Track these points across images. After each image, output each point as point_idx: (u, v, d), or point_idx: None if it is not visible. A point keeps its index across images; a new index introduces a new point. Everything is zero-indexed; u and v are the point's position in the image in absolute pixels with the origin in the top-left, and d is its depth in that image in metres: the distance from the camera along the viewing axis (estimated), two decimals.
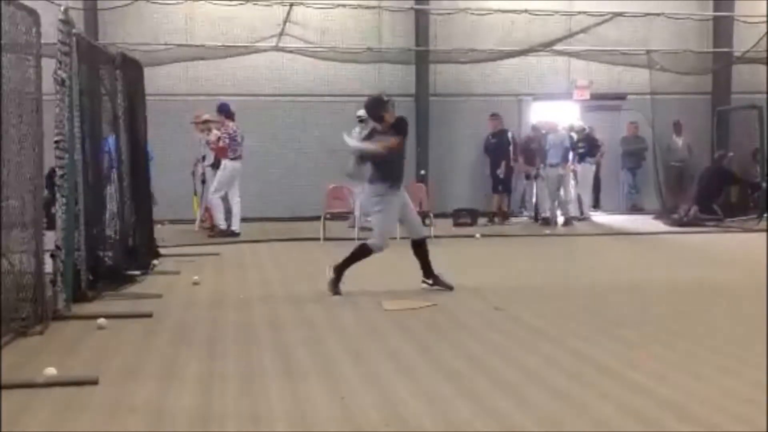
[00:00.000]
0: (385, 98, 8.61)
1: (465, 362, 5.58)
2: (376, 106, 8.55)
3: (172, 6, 17.14)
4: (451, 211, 16.51)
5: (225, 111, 14.07)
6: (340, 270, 8.39)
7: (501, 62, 18.19)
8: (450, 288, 8.47)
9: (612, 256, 12.13)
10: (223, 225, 13.93)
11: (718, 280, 9.47)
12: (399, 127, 8.47)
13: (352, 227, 13.80)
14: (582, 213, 16.97)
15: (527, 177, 16.95)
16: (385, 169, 8.39)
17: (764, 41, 16.85)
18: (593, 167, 17.37)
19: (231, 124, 13.97)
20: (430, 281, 8.58)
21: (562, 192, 16.04)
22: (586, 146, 17.00)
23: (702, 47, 18.87)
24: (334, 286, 8.33)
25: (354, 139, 8.91)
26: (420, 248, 8.62)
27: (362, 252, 8.45)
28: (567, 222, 15.80)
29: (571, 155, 16.17)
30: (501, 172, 16.35)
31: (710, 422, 4.27)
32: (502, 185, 16.51)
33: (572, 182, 16.54)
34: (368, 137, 8.63)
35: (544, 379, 5.13)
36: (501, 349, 5.99)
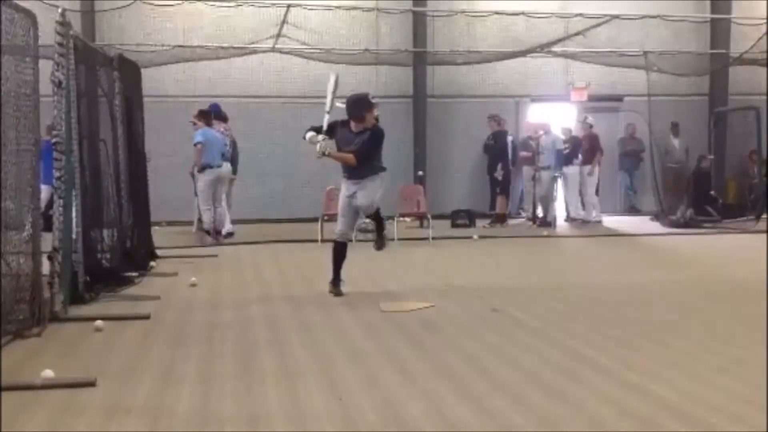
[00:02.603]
0: (372, 99, 8.41)
1: (463, 363, 5.58)
2: (361, 105, 8.29)
3: (170, 7, 17.15)
4: (448, 212, 16.51)
5: (214, 112, 14.01)
6: (335, 274, 8.40)
7: (498, 64, 18.19)
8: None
9: (609, 257, 12.13)
10: (224, 230, 13.84)
11: (715, 280, 9.48)
12: (376, 137, 8.30)
13: None
14: (569, 215, 16.87)
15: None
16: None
17: (763, 42, 16.86)
18: (577, 169, 16.58)
19: (219, 125, 13.92)
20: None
21: (555, 193, 16.05)
22: (571, 148, 16.46)
23: (699, 49, 18.91)
24: (335, 287, 8.35)
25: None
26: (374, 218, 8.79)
27: (334, 248, 8.45)
28: (546, 222, 15.72)
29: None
30: (499, 174, 16.32)
31: (707, 422, 4.27)
32: (500, 187, 16.48)
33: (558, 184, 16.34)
34: (330, 130, 8.30)
35: (541, 379, 5.14)
36: (498, 349, 6.00)
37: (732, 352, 5.88)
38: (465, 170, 18.22)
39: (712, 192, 17.63)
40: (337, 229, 8.52)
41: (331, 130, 8.34)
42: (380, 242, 8.89)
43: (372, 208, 8.56)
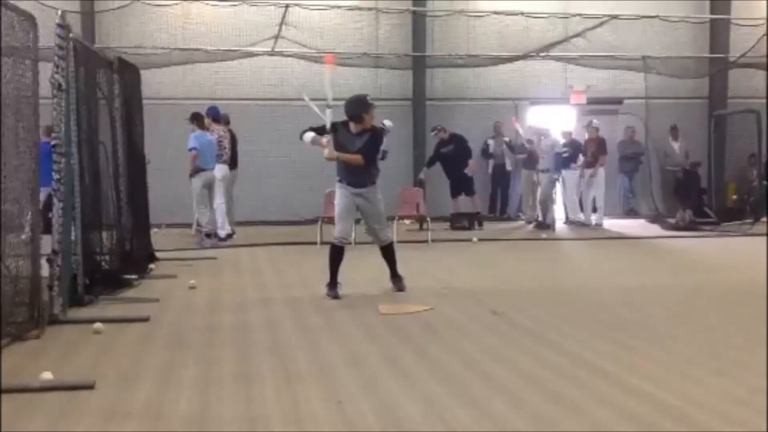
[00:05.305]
0: (370, 101, 8.42)
1: (462, 366, 5.58)
2: (359, 105, 8.38)
3: (169, 9, 17.15)
4: (448, 215, 16.50)
5: (212, 115, 14.01)
6: (331, 278, 8.38)
7: (498, 66, 18.21)
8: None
9: (608, 260, 12.12)
10: (222, 233, 13.84)
11: (714, 283, 9.48)
12: (378, 139, 8.40)
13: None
14: (568, 218, 16.84)
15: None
16: (338, 166, 8.47)
17: (762, 44, 16.84)
18: (576, 172, 16.45)
19: (217, 127, 13.93)
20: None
21: (554, 196, 16.04)
22: (571, 151, 16.34)
23: (699, 51, 18.91)
24: (332, 290, 8.33)
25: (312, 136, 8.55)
26: (385, 253, 8.71)
27: (332, 252, 8.44)
28: (545, 225, 15.69)
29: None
30: (469, 170, 16.24)
31: (707, 425, 4.27)
32: (466, 189, 16.43)
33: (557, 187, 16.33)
34: (332, 130, 8.39)
35: (540, 382, 5.14)
36: (498, 352, 5.99)
37: (731, 355, 5.88)
38: None
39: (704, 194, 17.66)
40: (336, 233, 8.49)
41: (334, 130, 8.42)
42: (399, 283, 8.67)
43: (387, 234, 8.67)
